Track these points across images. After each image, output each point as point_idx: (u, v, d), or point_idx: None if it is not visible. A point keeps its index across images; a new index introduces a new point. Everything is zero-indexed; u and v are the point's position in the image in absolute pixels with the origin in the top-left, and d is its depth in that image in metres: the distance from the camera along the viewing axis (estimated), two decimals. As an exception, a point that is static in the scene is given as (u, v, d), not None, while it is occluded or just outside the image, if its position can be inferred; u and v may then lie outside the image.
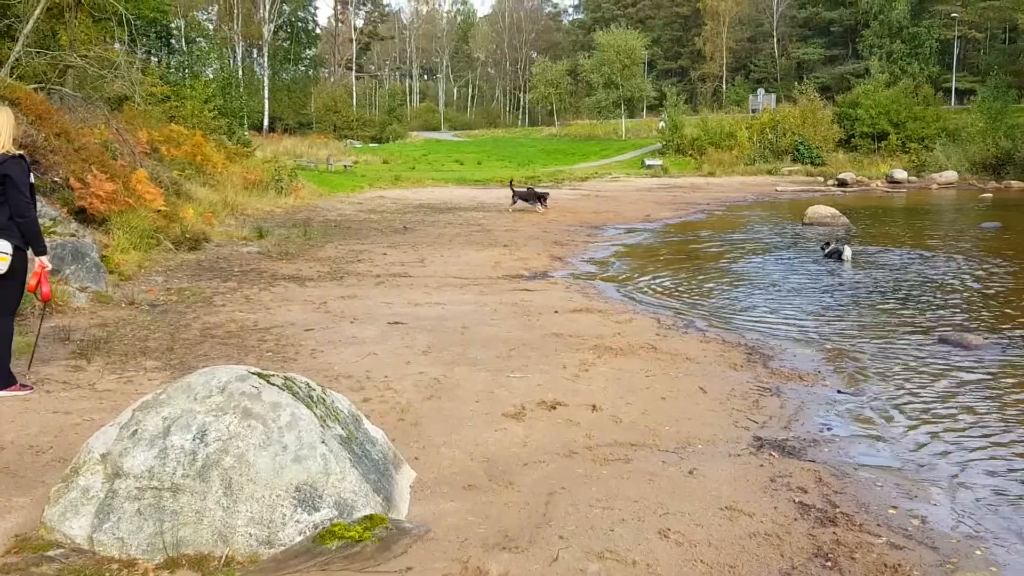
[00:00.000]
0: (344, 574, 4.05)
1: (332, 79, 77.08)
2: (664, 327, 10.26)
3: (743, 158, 47.03)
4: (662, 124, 53.10)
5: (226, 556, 4.16)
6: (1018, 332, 10.17)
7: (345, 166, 37.14)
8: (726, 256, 17.47)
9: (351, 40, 77.35)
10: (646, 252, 18.18)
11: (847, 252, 16.01)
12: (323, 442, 4.58)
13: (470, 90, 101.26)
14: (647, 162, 46.20)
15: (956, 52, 60.79)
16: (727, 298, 12.87)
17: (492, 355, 8.42)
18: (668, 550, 4.47)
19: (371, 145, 57.12)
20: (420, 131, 76.51)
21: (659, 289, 13.46)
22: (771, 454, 6.05)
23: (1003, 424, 6.91)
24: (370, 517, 4.42)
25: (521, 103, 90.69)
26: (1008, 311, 11.49)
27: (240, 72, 53.27)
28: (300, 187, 25.97)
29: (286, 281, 12.45)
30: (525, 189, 25.93)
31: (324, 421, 4.75)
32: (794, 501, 5.20)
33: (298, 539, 4.28)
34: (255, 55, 69.90)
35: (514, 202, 24.54)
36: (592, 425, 6.51)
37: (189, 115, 26.04)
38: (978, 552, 4.72)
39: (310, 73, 71.48)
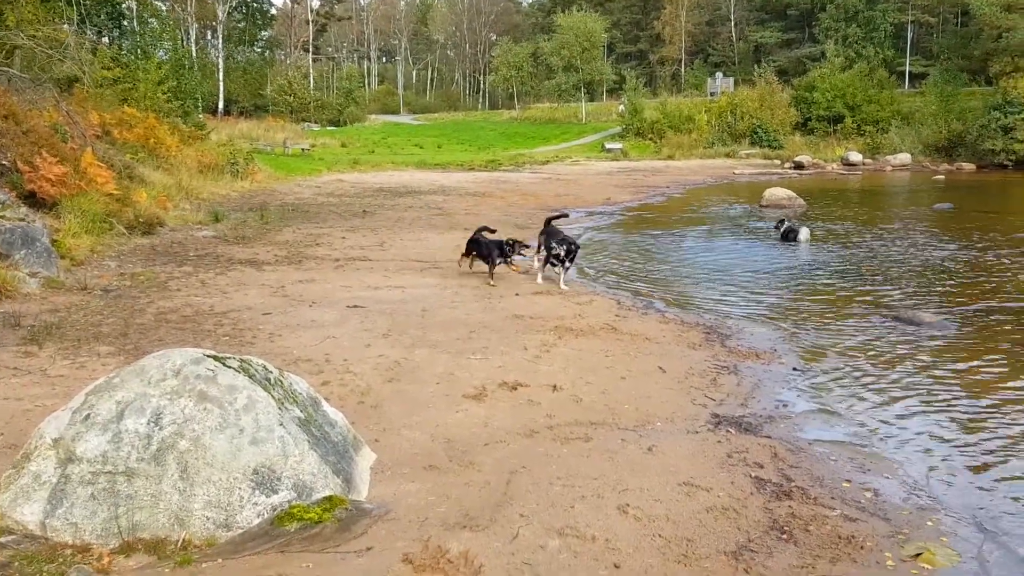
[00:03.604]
0: (304, 555, 4.03)
1: (288, 61, 75.97)
2: (624, 308, 10.32)
3: (702, 141, 47.26)
4: (622, 108, 53.14)
5: (183, 540, 4.12)
6: (969, 309, 10.41)
7: (302, 149, 36.65)
8: (685, 238, 17.60)
9: (307, 21, 76.21)
10: (606, 234, 18.24)
11: (804, 233, 16.22)
12: (281, 424, 4.54)
13: (429, 73, 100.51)
14: (607, 145, 46.24)
15: (910, 36, 61.66)
16: (686, 279, 12.98)
17: (453, 337, 8.40)
18: (627, 525, 4.52)
19: (329, 128, 56.39)
20: (379, 114, 75.72)
21: (619, 271, 13.52)
22: (728, 430, 6.14)
23: (953, 398, 7.08)
24: (329, 499, 4.40)
25: (481, 86, 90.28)
26: (959, 289, 11.74)
27: (194, 54, 52.26)
28: (256, 171, 25.58)
29: (243, 265, 12.29)
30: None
31: (282, 404, 4.71)
32: (750, 476, 5.28)
33: (256, 521, 4.25)
34: (209, 36, 68.63)
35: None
36: (553, 405, 6.55)
37: (142, 97, 25.44)
38: (929, 523, 4.84)
39: (266, 55, 70.32)
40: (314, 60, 77.55)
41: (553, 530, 4.41)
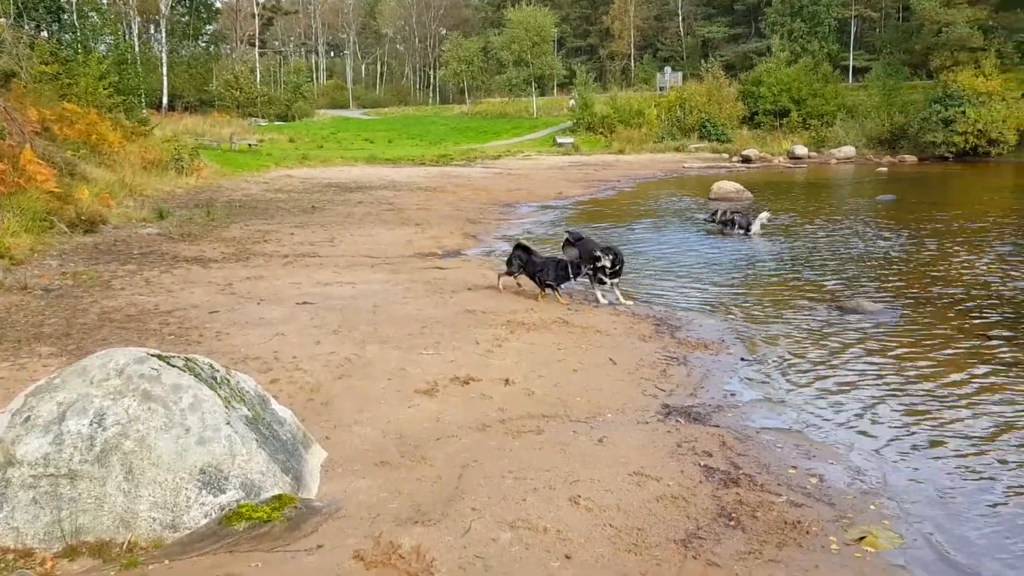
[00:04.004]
0: (252, 555, 3.98)
1: (234, 55, 74.74)
2: (576, 301, 10.38)
3: (652, 136, 47.68)
4: (572, 102, 53.34)
5: (128, 542, 4.05)
6: (910, 298, 10.67)
7: (250, 145, 36.11)
8: (636, 231, 17.74)
9: (253, 15, 75.09)
10: (558, 228, 18.29)
11: (756, 226, 16.49)
12: (228, 423, 4.48)
13: (379, 67, 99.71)
14: (558, 140, 46.38)
15: (853, 31, 62.90)
16: (636, 272, 13.08)
17: (404, 333, 8.37)
18: (579, 516, 4.55)
19: (277, 123, 55.61)
20: (328, 109, 74.96)
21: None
22: (678, 421, 6.21)
23: (896, 385, 7.25)
24: (279, 497, 4.36)
25: (432, 81, 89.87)
26: (901, 279, 12.02)
27: (136, 48, 51.13)
28: (202, 167, 25.15)
29: (189, 263, 12.09)
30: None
31: (229, 402, 4.65)
32: (699, 464, 5.36)
33: (204, 522, 4.19)
34: (152, 30, 67.19)
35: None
36: (505, 399, 6.56)
37: (83, 93, 24.80)
38: (872, 507, 4.96)
39: (211, 49, 68.99)
40: (261, 54, 76.46)
41: (505, 523, 4.42)
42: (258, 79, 65.82)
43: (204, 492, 4.27)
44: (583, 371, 7.39)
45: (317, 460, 5.11)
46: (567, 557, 4.13)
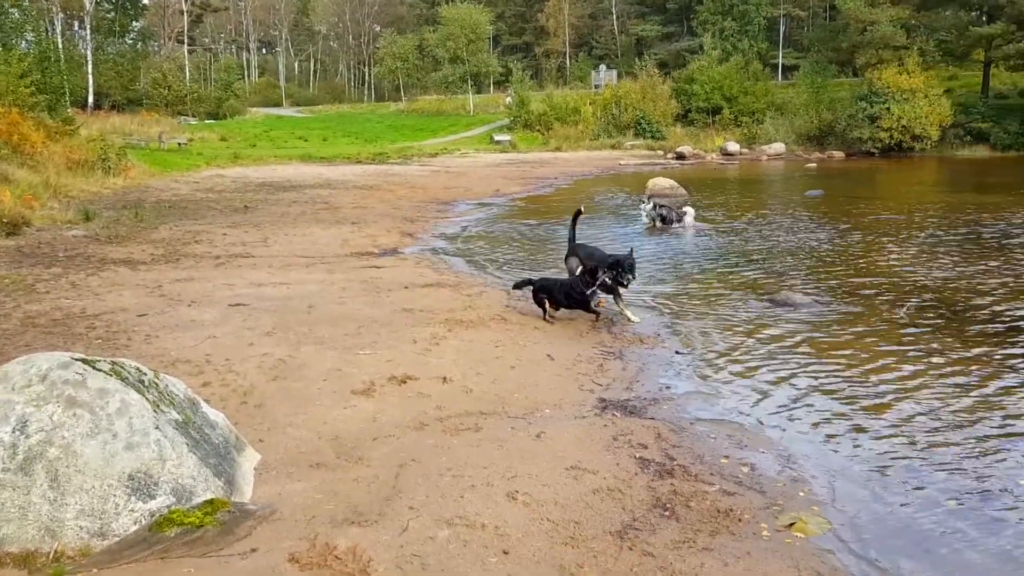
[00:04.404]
0: (185, 560, 3.91)
1: (163, 53, 72.95)
2: (514, 298, 10.39)
3: (588, 133, 48.13)
4: (509, 100, 53.48)
5: (55, 551, 3.94)
6: (838, 289, 10.96)
7: (180, 144, 35.34)
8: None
9: (182, 11, 73.35)
10: (496, 226, 18.34)
11: (688, 219, 16.80)
12: (157, 428, 4.39)
13: (312, 64, 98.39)
14: (496, 137, 46.48)
15: (782, 29, 64.35)
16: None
17: (340, 333, 8.29)
18: (516, 511, 4.57)
19: (208, 122, 54.52)
20: (260, 107, 73.74)
21: (509, 261, 13.63)
22: (614, 414, 6.29)
23: (825, 374, 7.45)
24: (211, 502, 4.28)
25: (367, 78, 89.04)
26: (829, 271, 12.35)
27: (60, 45, 49.52)
28: (130, 167, 24.53)
29: (116, 265, 11.78)
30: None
31: (157, 406, 4.55)
32: (635, 457, 5.43)
33: (134, 528, 4.10)
34: (77, 27, 65.23)
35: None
36: (443, 397, 6.55)
37: (3, 91, 23.98)
38: (801, 493, 5.09)
39: (138, 47, 67.24)
40: (190, 51, 74.78)
41: (443, 520, 4.42)
42: (188, 77, 64.42)
43: (133, 498, 4.17)
44: (521, 367, 7.42)
45: (251, 463, 5.03)
46: (505, 552, 4.15)
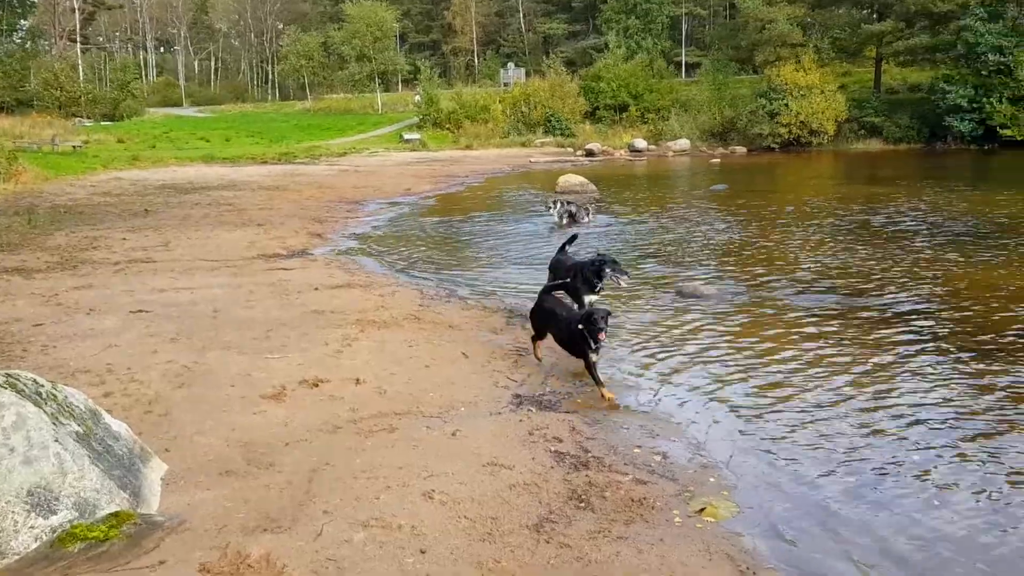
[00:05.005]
0: (89, 577, 3.76)
1: (54, 52, 69.79)
2: (427, 298, 10.36)
3: (498, 131, 48.29)
4: (418, 98, 53.22)
5: (-56, 577, 3.73)
6: (743, 281, 11.29)
7: (74, 147, 33.90)
8: (485, 226, 17.91)
9: (74, 9, 70.33)
10: (407, 225, 18.22)
11: (589, 215, 17.21)
12: (57, 440, 4.20)
13: (213, 63, 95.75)
14: (405, 136, 46.17)
15: (684, 28, 66.00)
16: (487, 265, 13.22)
17: (248, 337, 8.09)
18: (432, 510, 4.55)
19: (104, 123, 52.39)
20: (159, 107, 71.37)
21: (421, 260, 13.56)
22: (529, 409, 6.33)
23: (734, 362, 7.67)
24: (116, 514, 4.13)
25: (270, 76, 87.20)
26: (734, 263, 12.72)
27: (-60, 44, 46.97)
28: (21, 171, 23.42)
29: (8, 274, 11.22)
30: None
31: (56, 418, 4.36)
32: (550, 451, 5.48)
33: (35, 546, 3.92)
34: (-42, 25, 61.89)
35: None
36: (356, 399, 6.47)
37: None
38: (711, 479, 5.23)
39: (27, 46, 64.21)
40: (83, 50, 71.68)
41: (358, 523, 4.37)
42: (81, 77, 61.75)
43: (33, 515, 3.99)
44: (435, 366, 7.39)
45: (157, 474, 4.87)
46: (422, 552, 4.13)
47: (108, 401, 6.01)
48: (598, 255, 9.08)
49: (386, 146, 43.91)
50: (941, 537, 4.55)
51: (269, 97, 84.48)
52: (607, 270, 8.36)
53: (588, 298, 8.48)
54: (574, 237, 10.16)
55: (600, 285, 8.52)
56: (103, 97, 59.12)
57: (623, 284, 8.35)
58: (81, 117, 53.03)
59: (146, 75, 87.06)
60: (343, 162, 35.03)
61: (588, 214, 17.27)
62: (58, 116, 49.46)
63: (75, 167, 27.95)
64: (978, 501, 4.95)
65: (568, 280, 8.59)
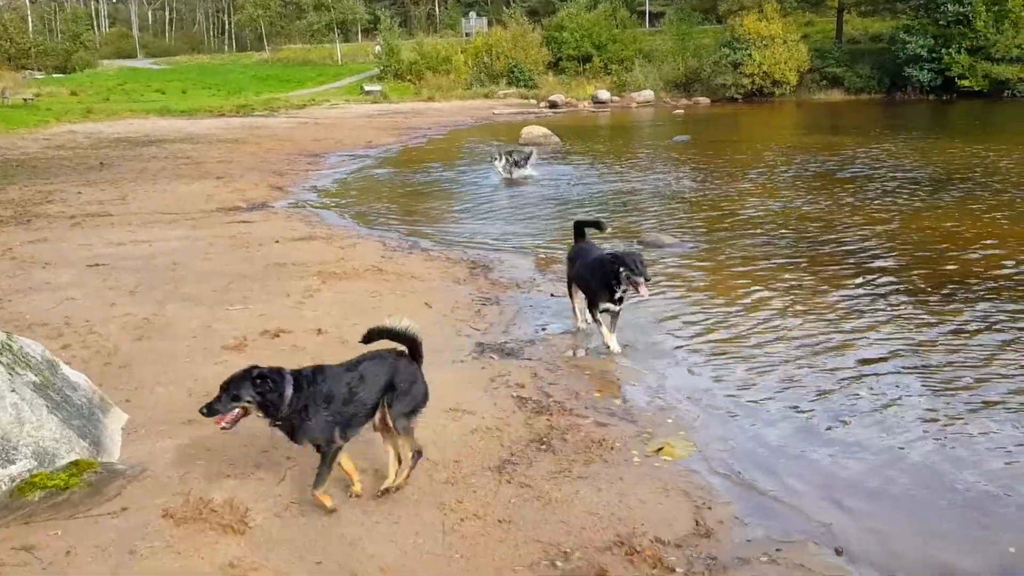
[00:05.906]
0: (51, 523, 3.76)
1: (1, 2, 67.50)
2: (390, 249, 10.33)
3: (461, 83, 47.74)
4: (379, 49, 52.32)
5: (-98, 528, 3.71)
6: (703, 229, 11.40)
7: (25, 100, 32.99)
8: (448, 178, 17.82)
9: (20, -44, 67.97)
10: (369, 178, 18.06)
11: (532, 160, 17.13)
12: (13, 391, 4.17)
13: (167, 13, 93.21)
14: (366, 88, 45.45)
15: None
16: (449, 217, 13.19)
17: (209, 290, 8.03)
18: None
19: (56, 76, 50.99)
20: (113, 59, 69.45)
21: (384, 212, 13.48)
22: (492, 357, 6.38)
23: (693, 309, 7.78)
24: (76, 463, 4.13)
25: (227, 27, 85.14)
26: (695, 213, 12.81)
27: None
28: (-30, 124, 22.80)
29: (-40, 229, 10.99)
30: None
31: (12, 369, 4.32)
32: (513, 396, 5.55)
33: (-7, 496, 3.91)
34: None
35: None
36: (318, 349, 6.47)
37: None
38: (669, 420, 5.33)
39: (-28, -5, 62.22)
40: (32, 1, 69.40)
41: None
42: (31, 28, 59.85)
43: (-10, 466, 3.97)
44: (398, 316, 7.38)
45: (118, 424, 4.86)
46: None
47: (66, 353, 5.95)
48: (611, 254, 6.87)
49: (346, 98, 43.23)
50: (890, 463, 4.73)
51: (226, 48, 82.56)
52: (621, 272, 6.39)
53: (603, 305, 6.64)
54: (597, 223, 8.02)
55: (620, 292, 6.53)
56: (54, 49, 57.52)
57: (643, 293, 6.50)
58: (32, 69, 51.53)
59: (98, 26, 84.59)
60: (303, 114, 34.47)
61: (528, 161, 17.08)
62: (7, 68, 48.04)
63: (27, 120, 27.23)
64: (926, 432, 5.12)
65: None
